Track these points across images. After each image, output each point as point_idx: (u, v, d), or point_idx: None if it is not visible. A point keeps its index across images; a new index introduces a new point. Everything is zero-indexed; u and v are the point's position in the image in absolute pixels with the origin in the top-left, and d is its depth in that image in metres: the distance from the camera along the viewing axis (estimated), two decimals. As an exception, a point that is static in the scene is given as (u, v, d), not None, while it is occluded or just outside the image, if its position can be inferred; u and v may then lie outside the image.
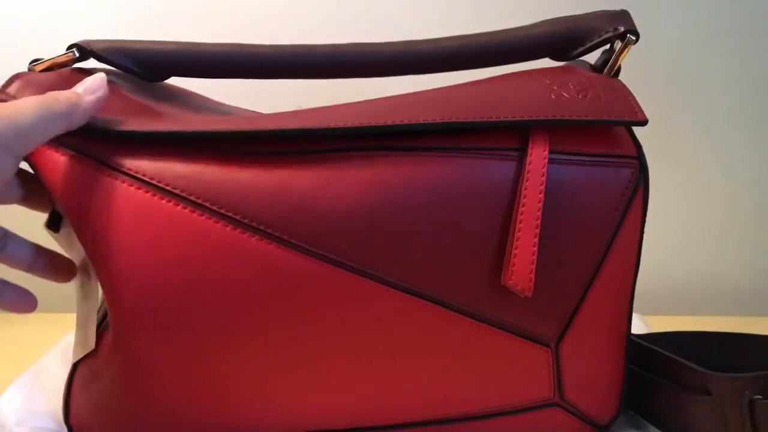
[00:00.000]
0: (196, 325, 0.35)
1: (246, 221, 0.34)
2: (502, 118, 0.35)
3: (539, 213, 0.34)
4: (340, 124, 0.35)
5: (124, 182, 0.34)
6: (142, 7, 0.67)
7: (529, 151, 0.35)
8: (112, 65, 0.41)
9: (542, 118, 0.35)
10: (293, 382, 0.36)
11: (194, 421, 0.37)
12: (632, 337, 0.41)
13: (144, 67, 0.42)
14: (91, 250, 0.34)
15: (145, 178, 0.34)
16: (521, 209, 0.34)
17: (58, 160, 0.34)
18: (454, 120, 0.35)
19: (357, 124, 0.35)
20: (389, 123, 0.35)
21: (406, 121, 0.35)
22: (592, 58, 0.41)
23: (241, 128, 0.35)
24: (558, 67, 0.41)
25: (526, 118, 0.35)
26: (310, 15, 0.68)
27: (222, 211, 0.34)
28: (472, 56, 0.42)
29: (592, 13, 0.41)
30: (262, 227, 0.34)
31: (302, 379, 0.36)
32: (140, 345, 0.35)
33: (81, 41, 0.40)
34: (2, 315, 0.67)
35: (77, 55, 0.40)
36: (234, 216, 0.34)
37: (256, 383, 0.36)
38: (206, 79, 0.43)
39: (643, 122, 0.36)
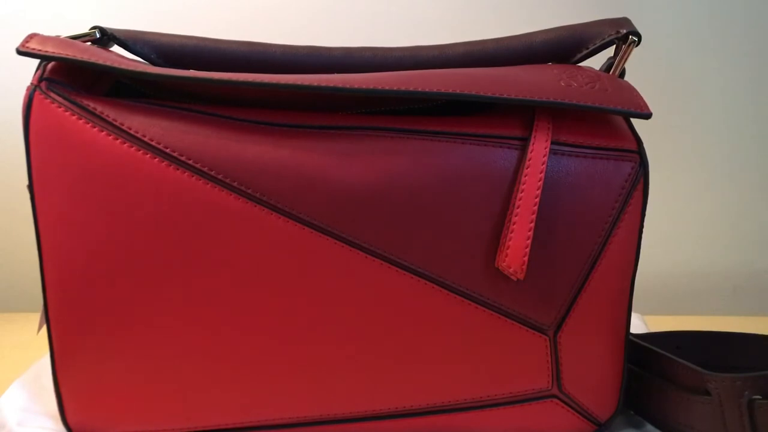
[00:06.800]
0: (194, 301, 0.36)
1: (250, 192, 0.35)
2: (511, 96, 0.35)
3: (537, 199, 0.35)
4: (356, 86, 0.35)
5: (110, 135, 0.35)
6: (146, 6, 0.67)
7: (532, 139, 0.36)
8: (131, 51, 0.42)
9: (549, 99, 0.35)
10: (290, 363, 0.37)
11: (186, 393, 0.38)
12: (631, 337, 0.41)
13: (163, 56, 0.43)
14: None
15: (149, 141, 0.35)
16: (519, 194, 0.35)
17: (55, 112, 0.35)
18: (459, 92, 0.35)
19: (369, 86, 0.35)
20: (401, 89, 0.35)
21: (411, 89, 0.35)
22: (596, 65, 0.42)
23: (243, 79, 0.36)
24: (567, 64, 0.42)
25: (532, 98, 0.35)
26: (311, 13, 0.68)
27: (227, 180, 0.35)
28: (478, 61, 0.43)
29: (594, 21, 0.42)
30: (267, 199, 0.35)
31: (299, 360, 0.37)
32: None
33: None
34: (2, 315, 0.68)
35: (98, 36, 0.41)
36: (239, 187, 0.35)
37: (251, 362, 0.37)
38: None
39: (648, 115, 0.36)
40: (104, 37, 0.41)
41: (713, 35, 0.69)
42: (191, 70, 0.37)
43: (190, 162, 0.35)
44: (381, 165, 0.35)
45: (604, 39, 0.41)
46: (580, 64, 0.42)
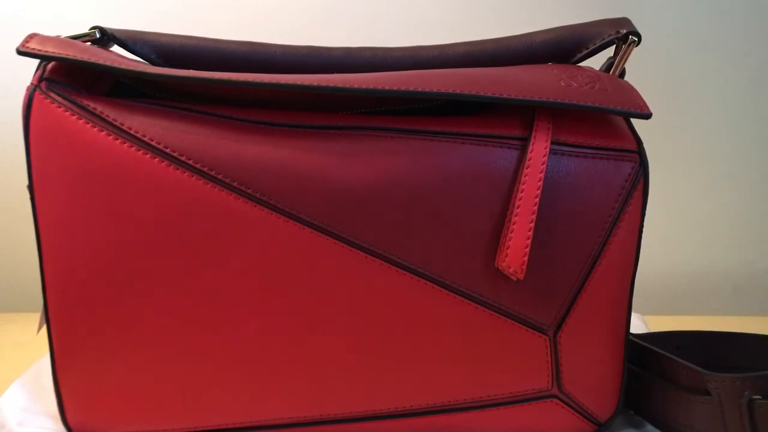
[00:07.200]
0: (197, 302, 0.36)
1: (250, 192, 0.35)
2: (511, 96, 0.35)
3: (537, 199, 0.35)
4: (356, 86, 0.35)
5: (110, 135, 0.35)
6: (146, 6, 0.67)
7: (532, 139, 0.36)
8: (131, 51, 0.42)
9: (549, 99, 0.35)
10: (289, 363, 0.37)
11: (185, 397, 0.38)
12: (631, 337, 0.41)
13: (163, 56, 0.43)
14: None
15: (149, 141, 0.35)
16: (519, 194, 0.35)
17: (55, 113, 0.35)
18: (459, 92, 0.35)
19: (369, 86, 0.35)
20: (401, 89, 0.35)
21: (411, 89, 0.35)
22: (596, 65, 0.42)
23: (245, 79, 0.36)
24: (567, 64, 0.42)
25: (532, 98, 0.35)
26: (311, 13, 0.68)
27: (227, 180, 0.35)
28: (478, 61, 0.43)
29: (594, 21, 0.42)
30: (267, 199, 0.35)
31: (299, 360, 0.37)
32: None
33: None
34: (2, 315, 0.68)
35: (98, 36, 0.41)
36: (239, 187, 0.35)
37: (251, 362, 0.37)
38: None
39: (648, 115, 0.36)
40: (104, 37, 0.41)
41: (713, 35, 0.69)
42: (191, 70, 0.37)
43: (190, 162, 0.35)
44: (381, 165, 0.35)
45: (604, 39, 0.41)
46: (580, 64, 0.42)
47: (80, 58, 0.36)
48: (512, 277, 0.35)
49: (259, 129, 0.36)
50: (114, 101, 0.36)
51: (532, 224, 0.35)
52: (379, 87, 0.35)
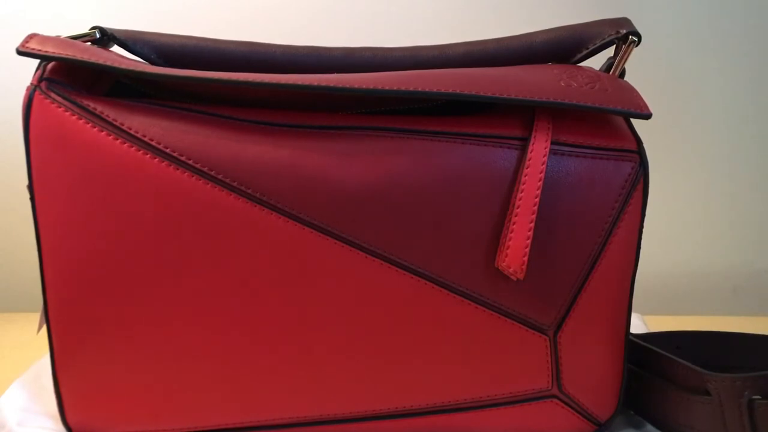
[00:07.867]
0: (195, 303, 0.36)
1: (250, 192, 0.35)
2: (511, 96, 0.35)
3: (537, 199, 0.35)
4: (356, 86, 0.35)
5: (110, 135, 0.35)
6: (146, 6, 0.67)
7: (532, 139, 0.36)
8: (131, 51, 0.42)
9: (549, 99, 0.35)
10: (289, 363, 0.37)
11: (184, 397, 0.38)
12: (631, 337, 0.41)
13: (163, 56, 0.43)
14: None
15: (149, 141, 0.35)
16: (519, 194, 0.35)
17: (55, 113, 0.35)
18: (459, 92, 0.35)
19: (369, 86, 0.35)
20: (401, 89, 0.35)
21: (411, 89, 0.35)
22: (596, 65, 0.42)
23: (247, 79, 0.35)
24: (567, 64, 0.42)
25: (532, 98, 0.35)
26: (311, 13, 0.68)
27: (227, 180, 0.35)
28: (478, 61, 0.43)
29: (594, 21, 0.42)
30: (267, 199, 0.35)
31: (299, 360, 0.37)
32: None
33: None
34: (2, 315, 0.68)
35: (98, 36, 0.41)
36: (239, 187, 0.35)
37: (251, 362, 0.37)
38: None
39: (648, 115, 0.36)
40: (104, 37, 0.41)
41: (713, 35, 0.69)
42: (191, 70, 0.37)
43: (190, 162, 0.35)
44: (381, 165, 0.35)
45: (604, 39, 0.41)
46: (580, 64, 0.42)
47: (80, 58, 0.36)
48: (512, 277, 0.35)
49: (259, 129, 0.36)
50: (114, 101, 0.36)
51: (532, 224, 0.35)
52: (379, 87, 0.35)
